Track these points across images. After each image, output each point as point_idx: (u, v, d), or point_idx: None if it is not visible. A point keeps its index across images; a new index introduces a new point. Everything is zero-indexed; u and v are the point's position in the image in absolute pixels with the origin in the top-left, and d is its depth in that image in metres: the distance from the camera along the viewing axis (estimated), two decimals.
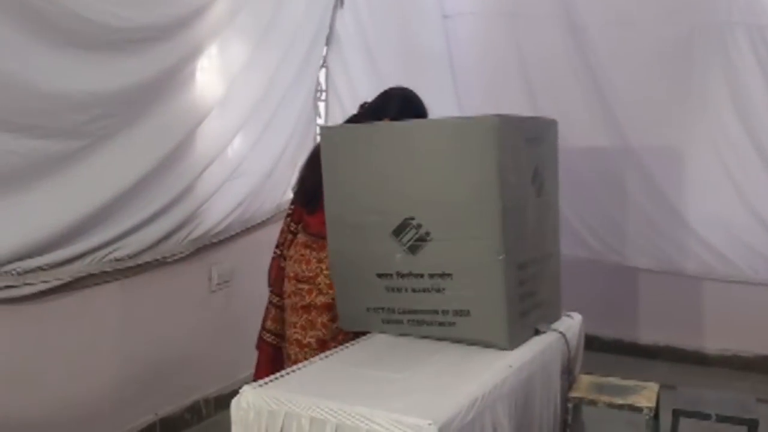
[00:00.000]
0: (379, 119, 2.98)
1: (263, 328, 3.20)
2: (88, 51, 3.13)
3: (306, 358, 2.76)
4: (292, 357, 2.97)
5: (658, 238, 4.90)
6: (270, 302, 3.20)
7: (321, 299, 2.95)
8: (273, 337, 3.15)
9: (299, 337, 2.98)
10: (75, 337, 3.42)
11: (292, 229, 3.16)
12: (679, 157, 4.78)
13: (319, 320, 2.95)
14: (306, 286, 2.99)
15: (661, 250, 4.90)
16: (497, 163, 2.49)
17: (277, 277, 3.16)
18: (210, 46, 3.80)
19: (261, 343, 3.20)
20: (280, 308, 3.13)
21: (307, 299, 2.98)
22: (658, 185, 4.82)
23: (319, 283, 2.96)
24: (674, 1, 4.66)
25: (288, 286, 3.05)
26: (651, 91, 4.75)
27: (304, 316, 2.97)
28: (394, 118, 2.96)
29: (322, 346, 2.90)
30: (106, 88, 3.21)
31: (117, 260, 3.49)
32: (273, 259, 3.22)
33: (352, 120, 3.15)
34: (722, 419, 2.98)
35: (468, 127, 2.61)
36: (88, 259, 3.34)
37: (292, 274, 3.04)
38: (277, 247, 3.21)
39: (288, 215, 3.21)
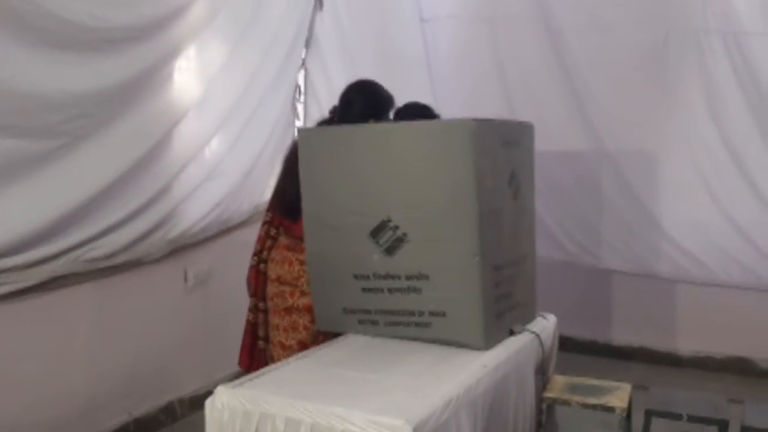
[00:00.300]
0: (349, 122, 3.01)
1: (257, 337, 3.16)
2: (64, 51, 3.12)
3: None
4: (275, 358, 2.98)
5: (633, 241, 4.94)
6: (256, 310, 3.18)
7: (303, 301, 2.96)
8: (265, 343, 3.15)
9: (282, 339, 3.00)
10: (49, 338, 3.40)
11: (272, 234, 3.15)
12: (654, 161, 4.82)
13: (301, 322, 2.97)
14: (288, 288, 3.00)
15: (636, 252, 4.94)
16: (474, 166, 2.51)
17: (258, 284, 3.16)
18: (188, 46, 3.79)
19: (256, 354, 3.16)
20: (266, 312, 3.13)
21: (290, 301, 2.99)
22: (633, 189, 4.87)
23: (302, 285, 2.97)
24: (651, 7, 4.70)
25: (270, 288, 3.06)
26: (627, 95, 4.79)
27: (287, 318, 2.99)
28: (360, 119, 3.01)
29: (303, 348, 2.90)
30: (82, 88, 3.19)
31: (92, 260, 3.47)
32: (251, 267, 3.20)
33: (323, 125, 3.15)
34: (693, 419, 3.01)
35: (445, 130, 2.64)
36: (62, 260, 3.31)
37: (274, 276, 3.05)
38: (255, 254, 3.20)
39: (266, 222, 3.20)
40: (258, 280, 3.16)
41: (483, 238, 2.56)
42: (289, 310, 2.99)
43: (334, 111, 3.18)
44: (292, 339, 2.98)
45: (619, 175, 4.91)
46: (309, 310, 2.94)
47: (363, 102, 3.09)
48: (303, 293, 2.96)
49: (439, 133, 2.65)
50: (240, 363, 3.22)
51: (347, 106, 3.11)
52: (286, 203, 3.06)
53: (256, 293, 3.17)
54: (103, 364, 3.67)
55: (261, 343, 3.16)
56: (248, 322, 3.22)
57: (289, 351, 2.95)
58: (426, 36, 5.25)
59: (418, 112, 3.63)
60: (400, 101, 4.90)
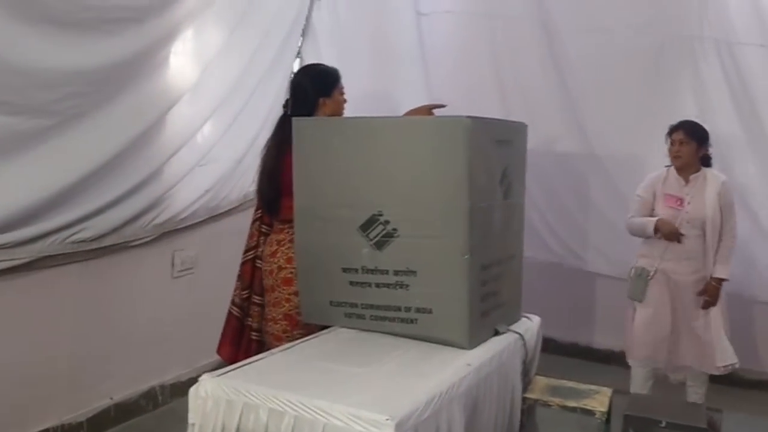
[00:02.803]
0: (305, 114, 3.06)
1: (251, 329, 3.23)
2: (60, 28, 3.09)
3: (278, 334, 2.99)
4: (269, 332, 3.10)
5: (619, 245, 4.94)
6: (249, 303, 3.24)
7: (282, 274, 3.04)
8: (258, 334, 3.22)
9: (273, 315, 3.08)
10: (33, 318, 3.38)
11: (263, 231, 3.23)
12: (643, 166, 4.82)
13: (284, 295, 3.04)
14: (268, 267, 3.09)
15: (620, 256, 4.94)
16: (467, 163, 2.52)
17: (253, 278, 3.23)
18: (186, 30, 3.78)
19: (244, 345, 3.23)
20: (262, 306, 3.19)
21: (270, 279, 3.08)
22: (621, 193, 4.86)
23: (278, 260, 3.05)
24: (647, 13, 4.71)
25: (264, 267, 3.15)
26: (620, 99, 4.80)
27: (272, 294, 3.08)
28: (313, 101, 3.10)
29: (290, 320, 3.01)
30: (78, 67, 3.18)
31: (80, 242, 3.46)
32: (244, 263, 3.27)
33: (283, 120, 3.13)
34: (672, 426, 3.04)
35: (439, 126, 2.64)
36: (50, 240, 3.30)
37: (263, 255, 3.16)
38: (248, 250, 3.27)
39: (256, 219, 3.28)
40: (254, 276, 3.23)
41: (472, 235, 2.56)
42: (272, 287, 3.08)
43: (287, 104, 3.20)
44: (278, 313, 3.05)
45: (608, 179, 4.92)
46: (289, 282, 3.01)
47: (312, 85, 3.15)
48: (280, 267, 3.05)
49: (433, 128, 2.65)
50: (220, 353, 3.26)
51: (299, 92, 3.16)
52: (267, 202, 3.16)
53: (251, 286, 3.24)
54: (86, 347, 3.66)
55: (255, 335, 3.22)
56: (231, 314, 3.29)
57: (279, 324, 3.05)
58: (423, 31, 5.23)
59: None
60: (394, 95, 4.93)
